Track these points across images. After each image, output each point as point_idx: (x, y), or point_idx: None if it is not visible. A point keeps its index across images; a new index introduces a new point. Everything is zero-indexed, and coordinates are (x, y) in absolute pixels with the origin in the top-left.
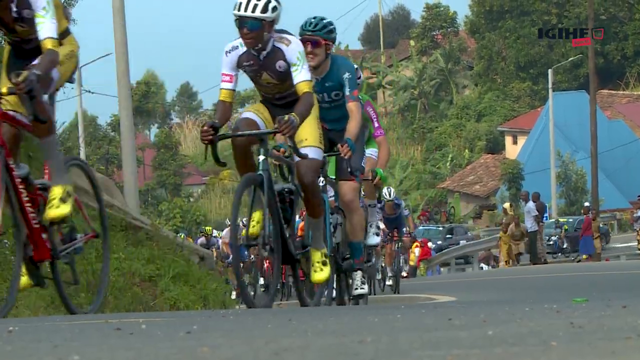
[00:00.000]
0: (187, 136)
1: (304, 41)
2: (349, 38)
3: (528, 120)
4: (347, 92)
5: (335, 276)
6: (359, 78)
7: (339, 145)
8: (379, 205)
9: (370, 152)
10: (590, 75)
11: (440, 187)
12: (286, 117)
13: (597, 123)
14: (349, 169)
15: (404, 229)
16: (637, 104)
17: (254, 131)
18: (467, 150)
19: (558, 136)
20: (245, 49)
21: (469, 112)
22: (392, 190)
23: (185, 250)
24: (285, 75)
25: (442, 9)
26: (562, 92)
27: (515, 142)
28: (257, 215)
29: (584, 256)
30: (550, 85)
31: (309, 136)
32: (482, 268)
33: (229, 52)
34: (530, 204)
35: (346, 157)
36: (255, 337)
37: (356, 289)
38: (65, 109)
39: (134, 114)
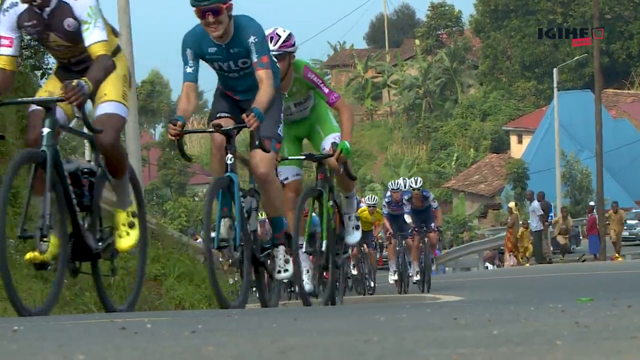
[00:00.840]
0: (192, 135)
1: (202, 13)
2: (354, 37)
3: (533, 120)
4: (254, 59)
5: (252, 275)
6: (279, 40)
7: (243, 115)
8: (405, 197)
9: (335, 136)
10: (596, 74)
11: (445, 187)
12: (74, 82)
13: (602, 122)
14: (257, 141)
15: (432, 224)
16: None
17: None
18: (472, 150)
19: (563, 135)
20: (26, 5)
21: (474, 112)
22: (420, 179)
23: (190, 250)
24: (77, 35)
25: (447, 8)
26: (567, 92)
27: (520, 142)
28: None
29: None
30: (555, 85)
31: (108, 91)
32: (487, 267)
33: (6, 11)
34: (535, 204)
35: (252, 128)
36: (260, 336)
37: (279, 271)
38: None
39: (139, 113)
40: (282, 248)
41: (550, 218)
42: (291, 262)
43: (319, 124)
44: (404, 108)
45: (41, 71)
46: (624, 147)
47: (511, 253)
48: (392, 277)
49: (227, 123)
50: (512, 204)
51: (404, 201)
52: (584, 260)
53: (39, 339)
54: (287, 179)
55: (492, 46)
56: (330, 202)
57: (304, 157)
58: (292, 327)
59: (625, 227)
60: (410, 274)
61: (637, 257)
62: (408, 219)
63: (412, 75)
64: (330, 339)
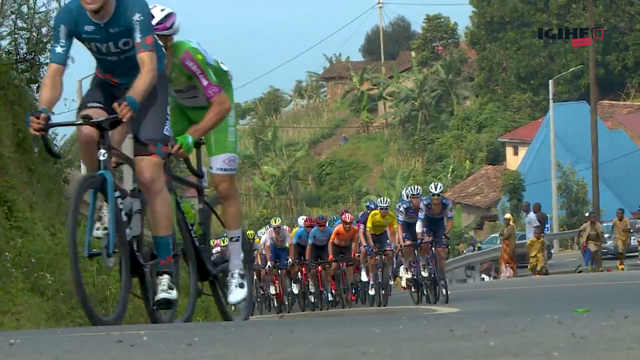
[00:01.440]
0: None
1: None
2: (349, 49)
3: (529, 131)
4: (137, 39)
5: (130, 285)
6: (166, 22)
7: (114, 105)
8: (424, 201)
9: (223, 159)
10: (591, 85)
11: None
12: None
13: (598, 133)
14: (143, 142)
15: (442, 237)
16: (638, 114)
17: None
18: (468, 161)
19: (559, 147)
20: None
21: (470, 123)
22: (440, 184)
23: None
24: None
25: (442, 20)
26: (563, 103)
27: (516, 153)
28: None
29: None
30: (551, 96)
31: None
32: (483, 279)
33: None
34: (532, 215)
35: (124, 119)
36: (257, 348)
37: (162, 294)
38: (67, 119)
39: None
40: (166, 277)
41: (546, 230)
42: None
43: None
44: (400, 120)
45: (37, 84)
46: (620, 158)
47: (507, 265)
48: (403, 283)
49: (99, 114)
50: (508, 216)
51: (421, 206)
52: (580, 272)
53: (35, 352)
54: None
55: (488, 58)
56: (200, 205)
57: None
58: (289, 338)
59: (633, 237)
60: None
61: (634, 268)
62: (419, 227)
63: (407, 87)
64: (327, 351)
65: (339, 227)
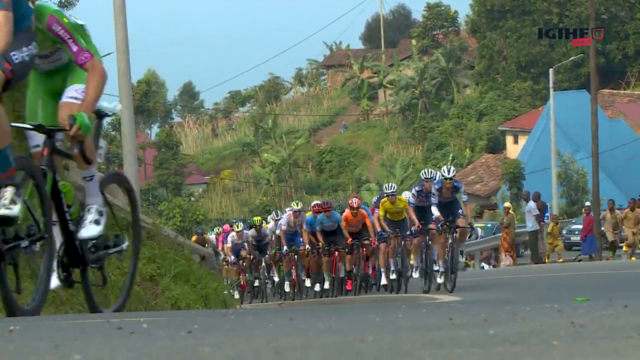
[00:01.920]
0: (188, 135)
1: None
2: (350, 37)
3: (529, 120)
4: None
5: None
6: None
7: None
8: (435, 186)
9: (78, 90)
10: (592, 74)
11: None
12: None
13: (598, 122)
14: None
15: (460, 213)
16: (638, 103)
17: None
18: (468, 150)
19: (559, 135)
20: None
21: (470, 112)
22: (453, 168)
23: (186, 250)
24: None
25: (443, 8)
26: (563, 92)
27: (516, 142)
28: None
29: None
30: (551, 85)
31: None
32: (483, 267)
33: None
34: (531, 204)
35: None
36: (256, 336)
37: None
38: None
39: (135, 113)
40: (9, 190)
41: (545, 218)
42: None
43: (72, 75)
44: (400, 108)
45: None
46: (620, 147)
47: (507, 253)
48: (415, 274)
49: None
50: (507, 204)
51: (432, 191)
52: (579, 260)
53: (35, 339)
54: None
55: (488, 46)
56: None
57: (31, 127)
58: (288, 327)
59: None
60: (436, 268)
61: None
62: (435, 211)
63: (408, 75)
64: (326, 339)
65: (346, 213)
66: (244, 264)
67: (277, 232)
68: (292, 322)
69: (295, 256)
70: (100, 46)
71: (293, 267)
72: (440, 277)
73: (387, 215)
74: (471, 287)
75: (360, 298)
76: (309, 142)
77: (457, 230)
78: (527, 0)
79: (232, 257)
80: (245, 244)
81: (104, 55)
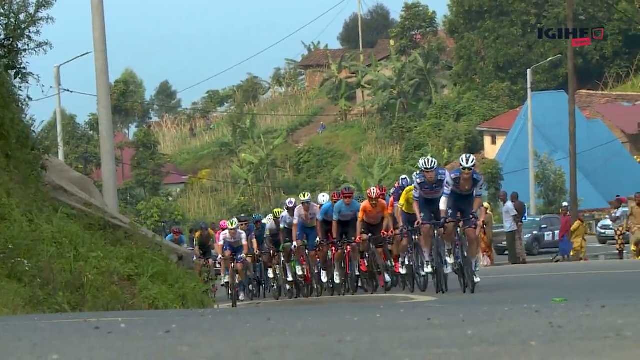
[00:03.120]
0: (166, 135)
1: None
2: (328, 37)
3: (507, 120)
4: None
5: None
6: None
7: None
8: (452, 175)
9: None
10: (569, 75)
11: None
12: None
13: (576, 123)
14: None
15: (472, 213)
16: (615, 104)
17: None
18: (446, 150)
19: (537, 136)
20: None
21: (448, 112)
22: (473, 157)
23: (164, 250)
24: None
25: (421, 8)
26: (541, 92)
27: (494, 142)
28: None
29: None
30: (529, 85)
31: None
32: None
33: None
34: (509, 204)
35: None
36: (234, 336)
37: None
38: (44, 108)
39: (113, 112)
40: None
41: (524, 219)
42: None
43: None
44: (378, 108)
45: (15, 70)
46: (598, 147)
47: (485, 253)
48: (426, 269)
49: None
50: (486, 204)
51: (447, 180)
52: (557, 261)
53: (13, 339)
54: None
55: (466, 47)
56: None
57: None
58: (266, 327)
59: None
60: (448, 262)
61: (611, 257)
62: (442, 205)
63: (386, 75)
64: (304, 339)
65: (365, 204)
66: (261, 258)
67: (282, 226)
68: (270, 322)
69: (307, 252)
70: (78, 45)
71: (303, 262)
72: (448, 268)
73: (404, 208)
74: (449, 287)
75: (346, 298)
76: (287, 142)
77: (465, 234)
78: (505, 1)
79: (219, 256)
80: (257, 238)
81: (82, 55)
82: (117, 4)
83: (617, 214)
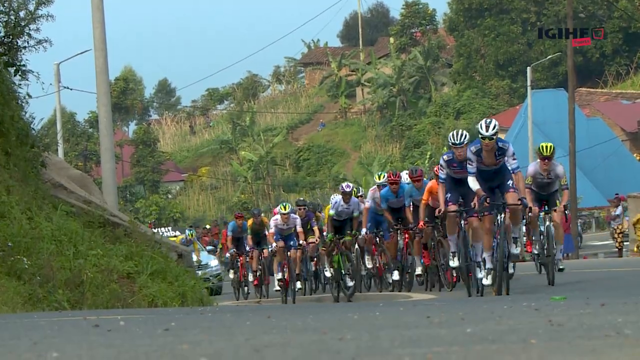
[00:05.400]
0: (165, 133)
1: None
2: (328, 35)
3: (507, 118)
4: None
5: None
6: None
7: None
8: (471, 148)
9: None
10: (569, 73)
11: None
12: None
13: (576, 121)
14: None
15: (509, 185)
16: (615, 102)
17: None
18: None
19: (536, 134)
20: None
21: (448, 110)
22: (495, 122)
23: (163, 248)
24: None
25: (421, 6)
26: (541, 90)
27: None
28: None
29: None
30: (529, 83)
31: None
32: None
33: None
34: None
35: None
36: (235, 334)
37: None
38: (44, 105)
39: (113, 110)
40: None
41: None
42: None
43: None
44: (378, 106)
45: (15, 68)
46: (597, 145)
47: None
48: (452, 263)
49: None
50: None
51: (469, 155)
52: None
53: (13, 337)
54: None
55: (466, 45)
56: None
57: None
58: (267, 325)
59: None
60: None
61: (610, 256)
62: (474, 184)
63: (386, 73)
64: (304, 337)
65: (432, 183)
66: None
67: (332, 212)
68: (270, 320)
69: (378, 241)
70: (78, 42)
71: (375, 252)
72: (487, 278)
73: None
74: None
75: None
76: (287, 139)
77: (507, 209)
78: None
79: (272, 245)
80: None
81: (82, 53)
82: (117, 2)
83: (617, 212)
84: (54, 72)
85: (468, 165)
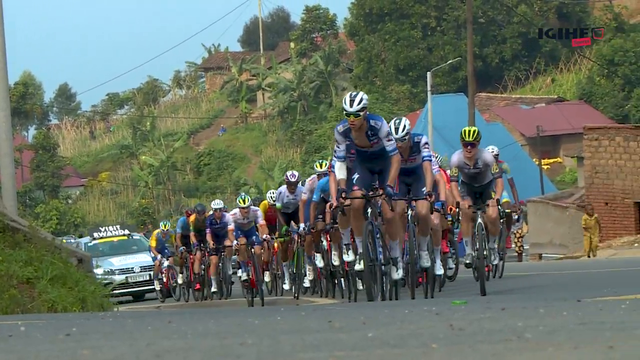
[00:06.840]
0: (65, 137)
1: None
2: (228, 40)
3: None
4: None
5: None
6: None
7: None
8: (339, 127)
9: None
10: (469, 78)
11: None
12: None
13: (476, 125)
14: None
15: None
16: (514, 106)
17: None
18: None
19: (437, 138)
20: None
21: None
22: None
23: (63, 252)
24: None
25: (321, 11)
26: (441, 95)
27: None
28: None
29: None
30: (429, 88)
31: None
32: None
33: None
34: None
35: None
36: (136, 339)
37: None
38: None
39: (12, 115)
40: None
41: None
42: None
43: None
44: (279, 111)
45: None
46: None
47: None
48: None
49: None
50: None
51: (336, 137)
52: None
53: None
54: None
55: (367, 49)
56: None
57: None
58: (167, 330)
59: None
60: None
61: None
62: (339, 172)
63: (286, 78)
64: (206, 342)
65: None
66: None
67: (278, 205)
68: (171, 325)
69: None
70: None
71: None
72: (360, 263)
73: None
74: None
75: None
76: (188, 144)
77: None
78: (406, 3)
79: (235, 242)
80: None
81: None
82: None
83: (516, 217)
84: None
85: (336, 148)
